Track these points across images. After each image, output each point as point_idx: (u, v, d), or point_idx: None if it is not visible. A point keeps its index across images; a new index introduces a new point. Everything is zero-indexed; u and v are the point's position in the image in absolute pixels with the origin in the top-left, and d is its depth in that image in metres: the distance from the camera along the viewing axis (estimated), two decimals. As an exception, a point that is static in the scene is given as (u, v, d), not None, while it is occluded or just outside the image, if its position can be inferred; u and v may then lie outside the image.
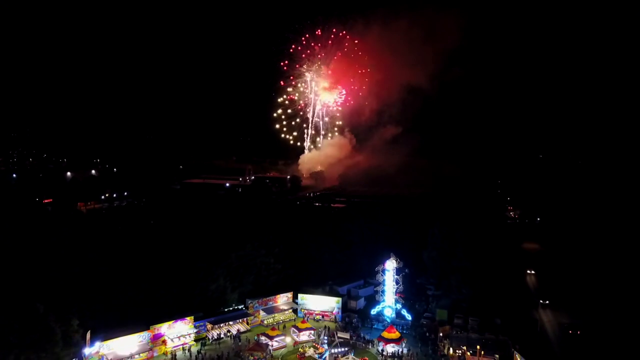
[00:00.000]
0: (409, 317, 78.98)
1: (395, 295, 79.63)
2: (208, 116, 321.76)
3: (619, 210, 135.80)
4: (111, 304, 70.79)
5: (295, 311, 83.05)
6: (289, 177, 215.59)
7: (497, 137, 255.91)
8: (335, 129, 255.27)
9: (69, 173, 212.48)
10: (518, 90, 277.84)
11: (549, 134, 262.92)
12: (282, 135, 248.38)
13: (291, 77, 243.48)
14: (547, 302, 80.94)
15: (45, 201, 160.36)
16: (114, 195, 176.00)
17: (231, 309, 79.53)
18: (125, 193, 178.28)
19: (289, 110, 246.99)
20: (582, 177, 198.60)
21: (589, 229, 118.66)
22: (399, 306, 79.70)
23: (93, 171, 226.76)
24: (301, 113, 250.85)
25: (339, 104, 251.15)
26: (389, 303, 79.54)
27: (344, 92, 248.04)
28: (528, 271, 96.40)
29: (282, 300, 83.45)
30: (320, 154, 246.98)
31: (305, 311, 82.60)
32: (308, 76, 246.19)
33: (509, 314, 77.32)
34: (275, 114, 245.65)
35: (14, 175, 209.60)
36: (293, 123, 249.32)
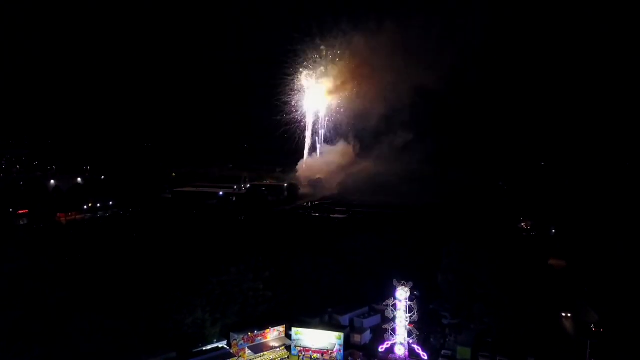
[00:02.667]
0: (424, 356, 66.12)
1: (408, 325, 66.90)
2: (205, 123, 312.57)
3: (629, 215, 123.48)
4: (61, 344, 58.13)
5: (288, 348, 70.44)
6: (286, 185, 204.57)
7: (501, 144, 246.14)
8: (338, 134, 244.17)
9: (52, 181, 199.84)
10: (519, 97, 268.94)
11: (551, 141, 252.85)
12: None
13: (294, 80, 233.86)
14: None
15: (20, 212, 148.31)
16: (98, 205, 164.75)
17: (211, 347, 66.56)
18: (111, 202, 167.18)
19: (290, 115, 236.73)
20: (587, 184, 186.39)
21: (611, 238, 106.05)
22: (411, 340, 66.78)
23: (79, 179, 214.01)
24: (301, 118, 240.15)
25: (342, 108, 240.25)
26: (400, 339, 66.60)
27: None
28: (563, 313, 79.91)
29: (273, 335, 70.62)
30: (320, 161, 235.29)
31: (300, 348, 69.90)
32: (311, 79, 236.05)
33: (545, 352, 65.93)
34: (275, 119, 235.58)
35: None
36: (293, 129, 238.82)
